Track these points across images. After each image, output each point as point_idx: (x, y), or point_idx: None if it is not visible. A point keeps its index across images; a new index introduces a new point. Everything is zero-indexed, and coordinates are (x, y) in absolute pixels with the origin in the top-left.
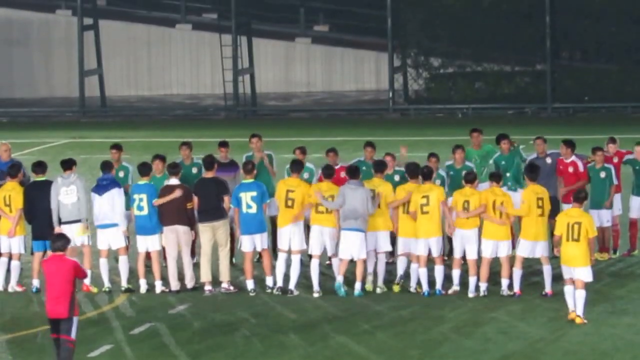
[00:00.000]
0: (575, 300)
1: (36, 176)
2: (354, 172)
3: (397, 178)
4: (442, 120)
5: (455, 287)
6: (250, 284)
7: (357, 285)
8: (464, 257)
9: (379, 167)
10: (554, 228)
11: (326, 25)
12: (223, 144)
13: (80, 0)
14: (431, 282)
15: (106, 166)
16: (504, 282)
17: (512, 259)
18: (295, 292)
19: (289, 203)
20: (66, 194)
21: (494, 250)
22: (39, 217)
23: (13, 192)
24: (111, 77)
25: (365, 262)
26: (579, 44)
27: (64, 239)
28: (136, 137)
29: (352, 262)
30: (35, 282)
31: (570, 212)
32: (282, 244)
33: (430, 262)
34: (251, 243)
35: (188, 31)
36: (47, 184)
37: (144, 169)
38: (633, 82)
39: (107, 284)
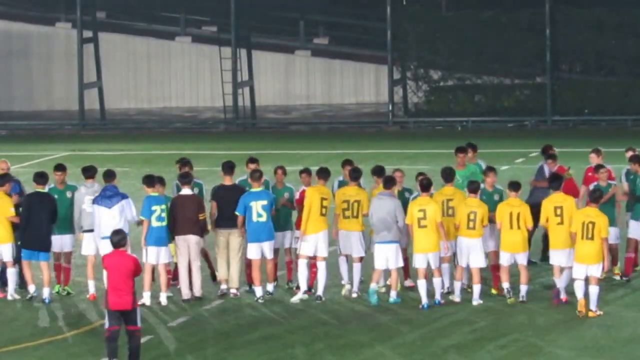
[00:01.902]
0: (590, 296)
1: (37, 186)
2: (387, 182)
3: (407, 194)
4: (441, 133)
5: (457, 298)
6: (258, 292)
7: (393, 293)
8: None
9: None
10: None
11: (326, 38)
12: (186, 163)
13: (79, 13)
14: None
15: (109, 175)
16: (523, 288)
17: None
18: (323, 298)
19: (323, 211)
20: (90, 203)
21: (511, 259)
22: (32, 227)
23: (0, 200)
24: (111, 90)
25: (398, 270)
26: (579, 56)
27: (121, 234)
28: (136, 150)
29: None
30: (31, 289)
31: (586, 211)
32: (306, 250)
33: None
34: (259, 251)
35: (187, 44)
36: (46, 196)
37: (151, 181)
38: (633, 95)
39: None
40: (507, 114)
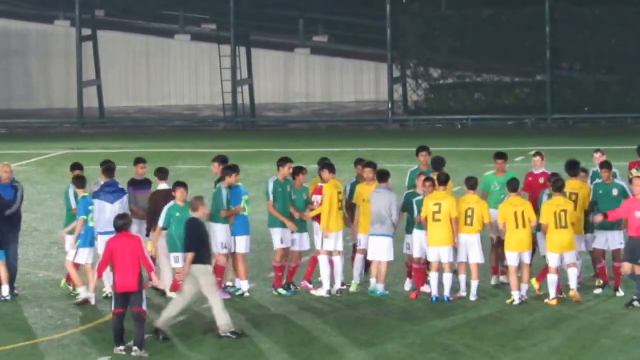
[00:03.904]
0: (569, 277)
1: None
2: (383, 176)
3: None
4: (441, 131)
5: (462, 292)
6: (245, 285)
7: (380, 287)
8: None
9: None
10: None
11: (325, 36)
12: (142, 160)
13: (78, 11)
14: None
15: (110, 170)
16: (524, 287)
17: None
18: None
19: (340, 206)
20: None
21: (518, 259)
22: None
23: None
24: (110, 88)
25: (388, 264)
26: (579, 55)
27: (126, 218)
28: (135, 148)
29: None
30: (5, 290)
31: (555, 201)
32: (328, 246)
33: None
34: (248, 245)
35: (187, 42)
36: None
37: (82, 183)
38: (633, 93)
39: (109, 290)
40: (507, 112)
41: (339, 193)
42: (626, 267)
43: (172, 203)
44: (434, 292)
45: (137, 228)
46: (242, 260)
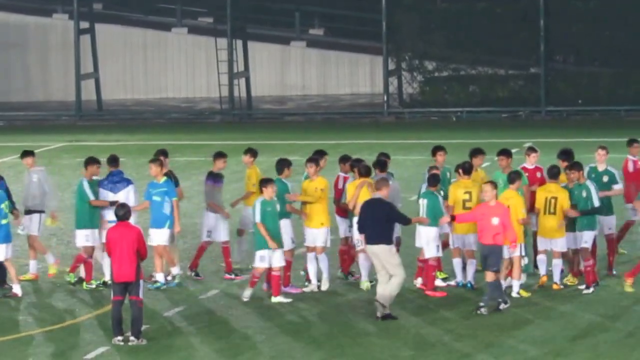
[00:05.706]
0: (553, 268)
1: None
2: (382, 165)
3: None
4: (436, 123)
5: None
6: (175, 270)
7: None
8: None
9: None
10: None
11: (321, 29)
12: (224, 155)
13: (76, 4)
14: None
15: (114, 161)
16: (515, 283)
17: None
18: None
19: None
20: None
21: (509, 252)
22: None
23: None
24: (107, 81)
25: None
26: (573, 47)
27: (126, 208)
28: (132, 140)
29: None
30: None
31: (548, 187)
32: (308, 241)
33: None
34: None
35: (184, 35)
36: None
37: None
38: (626, 85)
39: (107, 278)
40: (501, 104)
41: (322, 190)
42: (489, 275)
43: (261, 198)
44: (459, 278)
45: (213, 222)
46: (166, 251)
